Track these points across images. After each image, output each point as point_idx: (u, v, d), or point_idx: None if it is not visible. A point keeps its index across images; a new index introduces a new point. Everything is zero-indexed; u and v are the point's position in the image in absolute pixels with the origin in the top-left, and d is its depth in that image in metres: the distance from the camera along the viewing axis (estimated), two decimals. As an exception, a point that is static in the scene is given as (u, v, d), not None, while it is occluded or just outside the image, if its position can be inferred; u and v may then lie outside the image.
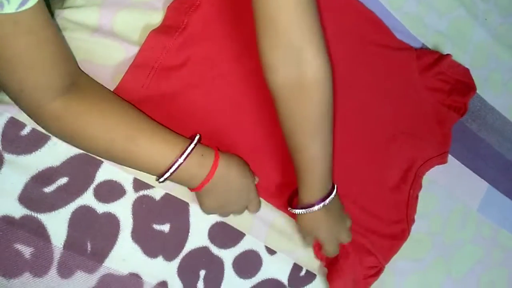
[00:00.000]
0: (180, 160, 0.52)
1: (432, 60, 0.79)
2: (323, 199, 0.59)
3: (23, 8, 0.40)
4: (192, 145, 0.53)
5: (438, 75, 0.79)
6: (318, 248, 0.68)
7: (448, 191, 0.82)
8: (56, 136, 0.53)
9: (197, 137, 0.55)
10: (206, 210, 0.60)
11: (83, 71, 0.54)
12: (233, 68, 0.63)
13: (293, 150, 0.57)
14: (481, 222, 0.85)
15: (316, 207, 0.59)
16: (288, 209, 0.63)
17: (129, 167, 0.54)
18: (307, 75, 0.51)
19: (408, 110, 0.77)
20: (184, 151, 0.52)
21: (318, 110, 0.53)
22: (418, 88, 0.78)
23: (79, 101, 0.49)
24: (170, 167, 0.52)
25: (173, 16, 0.61)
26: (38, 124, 0.51)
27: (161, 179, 0.53)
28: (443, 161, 0.79)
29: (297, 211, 0.61)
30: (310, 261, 0.70)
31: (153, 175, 0.54)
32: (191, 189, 0.57)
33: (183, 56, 0.60)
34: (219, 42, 0.62)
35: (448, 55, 0.79)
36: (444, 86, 0.80)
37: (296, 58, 0.50)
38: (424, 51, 0.80)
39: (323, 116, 0.54)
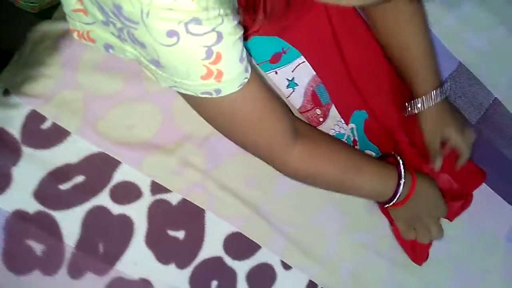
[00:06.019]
0: (399, 192, 0.60)
1: None
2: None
3: (248, 75, 0.46)
4: (402, 180, 0.60)
5: None
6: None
7: (475, 216, 0.78)
8: (299, 180, 0.59)
9: (402, 171, 0.60)
10: (400, 221, 0.67)
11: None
12: None
13: (400, 49, 0.63)
14: (510, 251, 0.80)
15: (437, 91, 0.62)
16: (411, 107, 0.64)
17: (353, 195, 0.63)
18: None
19: None
20: (399, 183, 0.60)
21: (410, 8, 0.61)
22: None
23: (309, 146, 0.55)
24: (392, 197, 0.61)
25: None
26: (285, 173, 0.57)
27: (387, 206, 0.62)
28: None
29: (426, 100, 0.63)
30: (326, 279, 0.67)
31: (372, 199, 0.66)
32: (384, 205, 0.63)
33: None
34: None
35: None
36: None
37: None
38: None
39: (418, 12, 0.62)
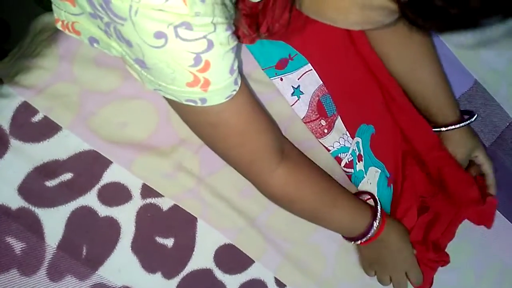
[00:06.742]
0: (370, 232, 0.58)
1: None
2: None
3: (237, 87, 0.44)
4: (377, 221, 0.58)
5: None
6: None
7: (484, 244, 0.74)
8: (275, 202, 0.56)
9: (379, 212, 0.59)
10: (365, 261, 0.64)
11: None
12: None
13: (416, 83, 0.64)
14: (520, 284, 0.76)
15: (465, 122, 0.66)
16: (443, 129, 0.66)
17: (323, 226, 0.60)
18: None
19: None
20: (372, 223, 0.58)
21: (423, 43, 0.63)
22: None
23: (292, 169, 0.53)
24: (362, 236, 0.59)
25: None
26: (263, 192, 0.55)
27: (353, 243, 0.60)
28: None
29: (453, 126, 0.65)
30: (322, 301, 0.63)
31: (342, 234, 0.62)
32: (350, 238, 0.61)
33: None
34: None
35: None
36: None
37: None
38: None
39: (429, 47, 0.64)
